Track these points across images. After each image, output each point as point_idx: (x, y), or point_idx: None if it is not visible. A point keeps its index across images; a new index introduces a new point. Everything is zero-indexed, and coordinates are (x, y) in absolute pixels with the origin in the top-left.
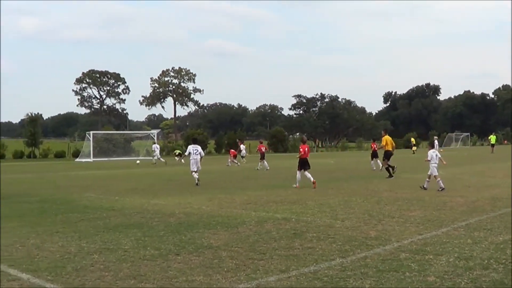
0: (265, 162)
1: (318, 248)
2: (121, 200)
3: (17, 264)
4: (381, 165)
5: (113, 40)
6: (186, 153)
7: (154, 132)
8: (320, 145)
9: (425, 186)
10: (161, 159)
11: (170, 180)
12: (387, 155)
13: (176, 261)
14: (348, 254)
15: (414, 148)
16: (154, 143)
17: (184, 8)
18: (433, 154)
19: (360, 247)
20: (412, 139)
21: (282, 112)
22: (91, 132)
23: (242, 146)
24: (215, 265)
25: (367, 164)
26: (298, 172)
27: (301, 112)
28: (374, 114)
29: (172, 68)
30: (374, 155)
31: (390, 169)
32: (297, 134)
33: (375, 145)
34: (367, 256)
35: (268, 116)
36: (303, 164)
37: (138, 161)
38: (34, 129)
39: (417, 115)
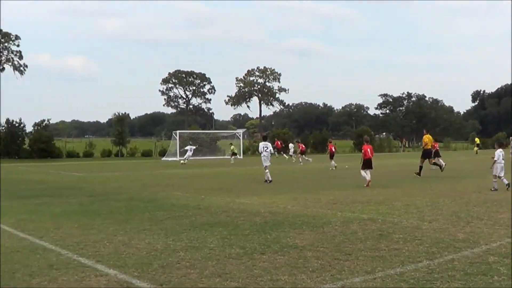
0: (332, 162)
1: (404, 250)
2: (207, 199)
3: (105, 260)
4: (443, 164)
5: (198, 40)
6: (259, 151)
7: (240, 131)
8: (406, 145)
9: (494, 187)
10: (182, 160)
11: (254, 179)
12: (426, 153)
13: (261, 260)
14: (435, 256)
15: (476, 148)
16: (190, 144)
17: (266, 8)
18: (500, 153)
19: (448, 249)
20: (477, 139)
21: (368, 112)
22: (177, 132)
23: (290, 145)
24: (300, 264)
25: (455, 164)
26: (362, 171)
27: (387, 111)
28: (462, 113)
29: (257, 68)
30: (436, 154)
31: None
32: (383, 133)
33: (436, 145)
34: (454, 259)
35: (354, 115)
36: (368, 164)
37: (232, 161)
38: (122, 128)
39: (507, 114)
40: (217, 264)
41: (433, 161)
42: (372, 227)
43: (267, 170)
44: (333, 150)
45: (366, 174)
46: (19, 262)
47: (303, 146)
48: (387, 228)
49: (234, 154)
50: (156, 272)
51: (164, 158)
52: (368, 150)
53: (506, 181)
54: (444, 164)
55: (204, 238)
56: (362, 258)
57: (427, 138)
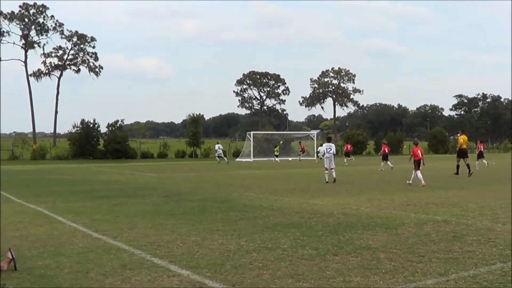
0: (388, 163)
1: (478, 252)
2: (280, 200)
3: (177, 261)
4: (486, 163)
5: (272, 41)
6: (321, 152)
7: (314, 132)
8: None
9: None
10: (225, 158)
11: (326, 181)
12: (461, 153)
13: (334, 261)
14: (509, 259)
15: None
16: (217, 143)
17: (340, 8)
18: None
19: None
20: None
21: (443, 113)
22: (251, 132)
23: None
24: (373, 266)
25: None
26: (414, 172)
27: (462, 112)
28: None
29: (332, 69)
30: (480, 155)
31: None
32: (458, 134)
33: (481, 146)
34: None
35: (428, 116)
36: (418, 165)
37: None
38: (196, 129)
39: None
40: (290, 265)
41: (468, 161)
42: (446, 229)
43: (327, 172)
44: (386, 151)
45: (417, 175)
46: (93, 262)
47: (349, 146)
48: (461, 230)
49: (276, 156)
50: (228, 272)
51: (238, 159)
52: (419, 152)
53: None
54: (470, 171)
55: (277, 239)
56: (435, 260)
57: (461, 139)
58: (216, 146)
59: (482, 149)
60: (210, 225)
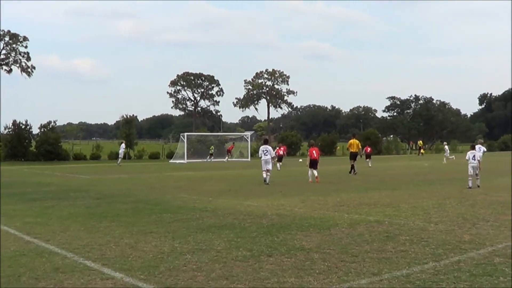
0: (278, 164)
1: (411, 251)
2: (214, 201)
3: (111, 263)
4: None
5: (206, 42)
6: (259, 155)
7: (248, 134)
8: (413, 147)
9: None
10: (119, 159)
11: (262, 182)
12: (352, 156)
13: (268, 263)
14: (441, 258)
15: (422, 151)
16: (122, 142)
17: (277, 10)
18: (470, 154)
19: (454, 251)
20: (420, 142)
21: (376, 114)
22: (185, 134)
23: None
24: (307, 267)
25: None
26: (309, 170)
27: (395, 114)
28: (469, 116)
29: (266, 70)
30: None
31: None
32: (391, 136)
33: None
34: (460, 260)
35: (361, 117)
36: (313, 164)
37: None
38: (129, 130)
39: None
40: (224, 267)
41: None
42: (379, 229)
43: (265, 174)
44: (281, 153)
45: (312, 172)
46: (25, 266)
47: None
48: (394, 230)
49: (211, 155)
50: (162, 275)
51: (171, 160)
52: (314, 152)
53: (470, 184)
54: (355, 171)
55: (211, 241)
56: (369, 260)
57: (353, 142)
58: (122, 145)
59: (369, 151)
60: (143, 227)
